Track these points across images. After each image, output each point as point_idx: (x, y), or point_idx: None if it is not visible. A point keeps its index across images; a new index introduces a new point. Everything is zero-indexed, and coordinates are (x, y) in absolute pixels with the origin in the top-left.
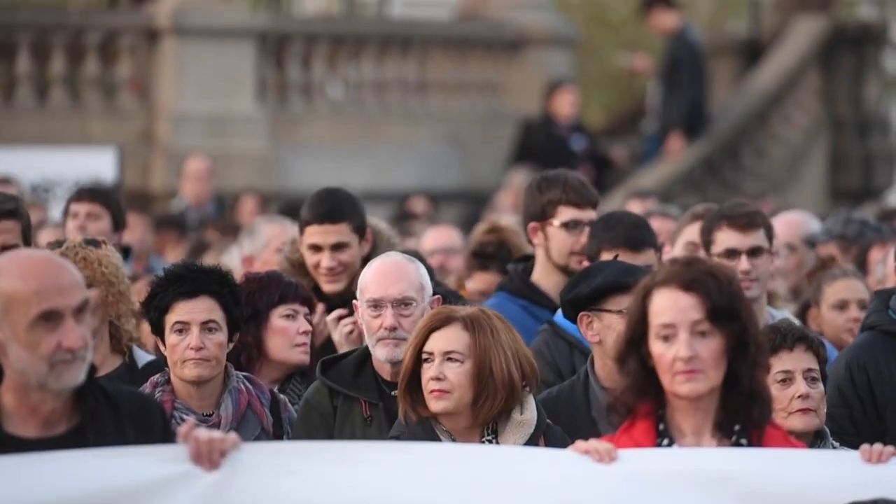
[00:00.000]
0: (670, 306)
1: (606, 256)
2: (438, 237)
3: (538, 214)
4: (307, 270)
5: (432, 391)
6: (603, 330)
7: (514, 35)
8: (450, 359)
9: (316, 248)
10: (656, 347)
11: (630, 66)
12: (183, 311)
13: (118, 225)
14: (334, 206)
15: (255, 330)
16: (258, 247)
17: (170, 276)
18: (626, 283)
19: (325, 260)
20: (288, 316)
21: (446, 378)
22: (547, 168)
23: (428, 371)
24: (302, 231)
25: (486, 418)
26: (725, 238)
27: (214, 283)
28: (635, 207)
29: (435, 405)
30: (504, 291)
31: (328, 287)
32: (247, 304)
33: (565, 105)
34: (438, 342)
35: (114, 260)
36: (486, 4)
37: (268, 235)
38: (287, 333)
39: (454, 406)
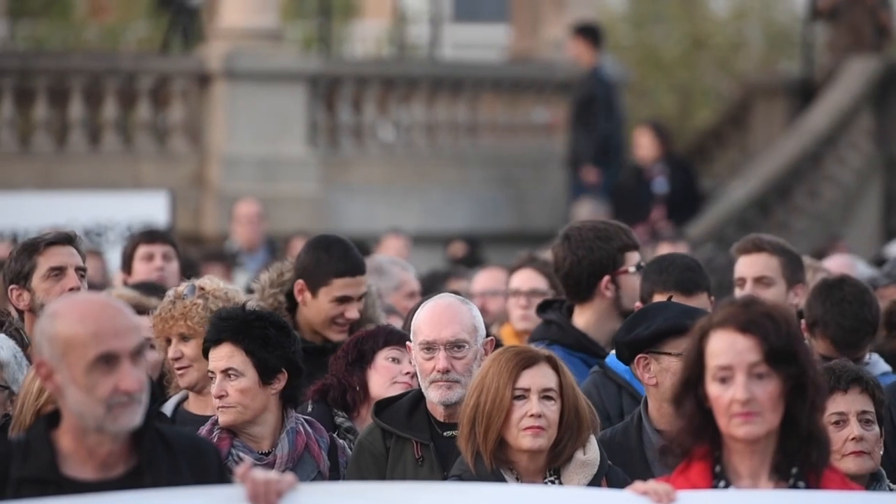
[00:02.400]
0: (727, 348)
1: (659, 299)
2: (486, 279)
3: (609, 265)
4: (287, 310)
5: (529, 428)
6: (660, 372)
7: (564, 77)
8: (546, 396)
9: (344, 300)
10: (713, 389)
11: (549, 121)
12: (213, 359)
13: (185, 267)
14: (360, 259)
15: (360, 372)
16: (389, 288)
17: (214, 320)
18: (686, 326)
19: (352, 312)
20: (394, 359)
21: (544, 415)
22: (627, 209)
23: (522, 408)
24: (325, 282)
25: (562, 458)
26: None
27: (229, 331)
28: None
29: (531, 442)
30: (558, 345)
31: (338, 336)
32: (353, 349)
33: (641, 147)
34: (535, 379)
35: (200, 310)
36: (537, 46)
37: (400, 279)
38: (391, 373)
39: (546, 443)
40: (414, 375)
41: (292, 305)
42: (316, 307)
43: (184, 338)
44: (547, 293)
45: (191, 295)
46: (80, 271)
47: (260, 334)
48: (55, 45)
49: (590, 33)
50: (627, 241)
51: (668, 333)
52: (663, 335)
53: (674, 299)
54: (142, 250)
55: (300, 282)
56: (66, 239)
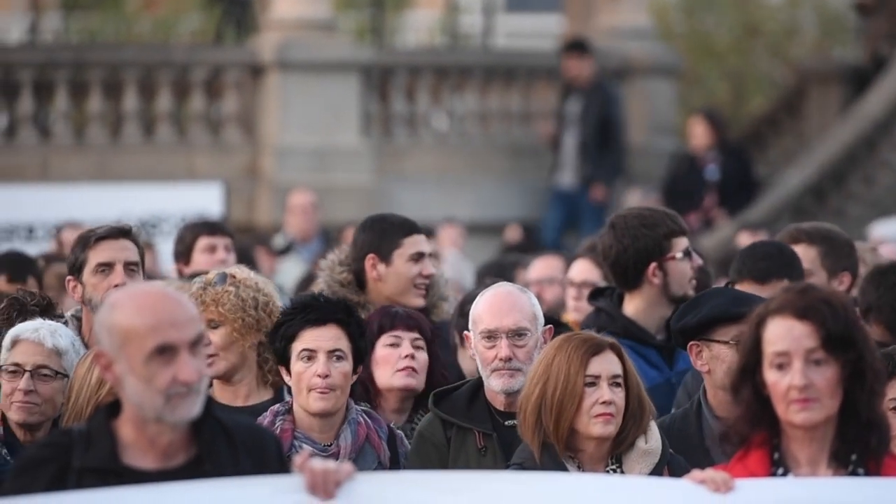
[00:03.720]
0: (784, 334)
1: (740, 287)
2: (543, 267)
3: (656, 252)
4: (357, 287)
5: (601, 415)
6: (712, 360)
7: (617, 65)
8: (615, 383)
9: (419, 257)
10: (770, 376)
11: (542, 134)
12: (310, 338)
13: (240, 258)
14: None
15: (367, 363)
16: (525, 281)
17: (297, 306)
18: (734, 313)
19: (429, 268)
20: (391, 344)
21: (613, 402)
22: (680, 197)
23: (593, 395)
24: (396, 245)
25: (624, 445)
26: None
27: (341, 312)
28: (746, 240)
29: (602, 429)
30: (609, 334)
31: (418, 300)
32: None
33: (695, 136)
34: (604, 366)
35: (232, 297)
36: (590, 34)
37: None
38: (389, 361)
39: (615, 430)
40: (413, 357)
41: (360, 285)
42: (393, 273)
43: (213, 325)
44: (599, 284)
45: (221, 283)
46: (131, 266)
47: (359, 323)
48: (109, 38)
49: (577, 47)
50: (674, 226)
51: (716, 321)
52: (711, 322)
53: (748, 287)
54: (203, 242)
55: (371, 256)
56: (118, 233)
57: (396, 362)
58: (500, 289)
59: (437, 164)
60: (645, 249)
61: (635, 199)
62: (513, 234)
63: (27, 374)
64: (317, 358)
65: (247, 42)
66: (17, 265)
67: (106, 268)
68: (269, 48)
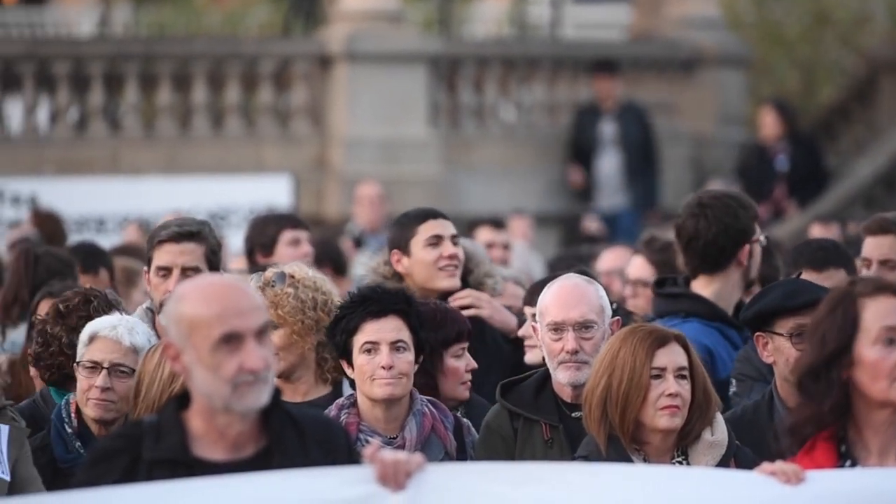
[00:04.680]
0: (893, 310)
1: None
2: (612, 258)
3: (750, 233)
4: (398, 281)
5: (667, 407)
6: (775, 352)
7: (687, 55)
8: (681, 375)
9: (436, 241)
10: (872, 353)
11: (573, 183)
12: (372, 331)
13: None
14: (438, 209)
15: (429, 368)
16: (595, 272)
17: (357, 298)
18: (788, 306)
19: (448, 249)
20: (458, 356)
21: (679, 394)
22: (750, 187)
23: (659, 387)
24: (411, 235)
25: (690, 437)
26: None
27: (402, 303)
28: (818, 231)
29: (668, 422)
30: (695, 317)
31: (448, 282)
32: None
33: (765, 126)
34: (670, 358)
35: (290, 300)
36: (659, 25)
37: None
38: (458, 373)
39: (681, 423)
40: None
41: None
42: (416, 263)
43: (272, 326)
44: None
45: (280, 283)
46: (189, 272)
47: (418, 314)
48: (178, 31)
49: (607, 67)
50: (755, 211)
51: (772, 313)
52: (768, 314)
53: (805, 275)
54: (288, 235)
55: (394, 252)
56: (180, 237)
57: (462, 375)
58: (567, 280)
59: (505, 155)
60: (743, 230)
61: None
62: (590, 224)
63: (104, 372)
64: (379, 350)
65: (315, 34)
66: (90, 256)
67: (165, 272)
68: (337, 40)
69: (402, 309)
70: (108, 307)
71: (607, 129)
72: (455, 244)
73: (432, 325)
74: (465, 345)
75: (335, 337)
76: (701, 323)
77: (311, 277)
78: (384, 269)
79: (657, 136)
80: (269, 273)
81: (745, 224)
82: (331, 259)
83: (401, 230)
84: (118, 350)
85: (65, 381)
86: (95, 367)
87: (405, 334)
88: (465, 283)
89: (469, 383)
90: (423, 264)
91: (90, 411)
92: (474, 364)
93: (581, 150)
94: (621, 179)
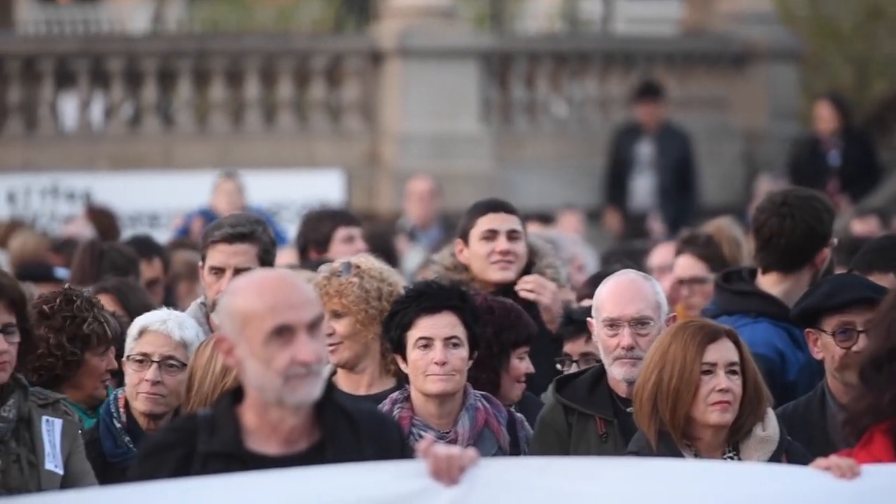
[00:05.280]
0: None
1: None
2: (664, 254)
3: (826, 239)
4: (461, 270)
5: (717, 403)
6: (823, 348)
7: (739, 50)
8: (731, 371)
9: (491, 235)
10: None
11: (609, 227)
12: (426, 326)
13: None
14: (504, 201)
15: (496, 366)
16: (647, 267)
17: (411, 294)
18: (830, 304)
19: (502, 244)
20: (521, 358)
21: (730, 390)
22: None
23: (710, 382)
24: (473, 224)
25: (741, 433)
26: None
27: (456, 299)
28: (858, 226)
29: (719, 417)
30: (764, 317)
31: (500, 274)
32: (495, 337)
33: (821, 120)
34: (721, 353)
35: (355, 289)
36: (711, 19)
37: (571, 253)
38: (518, 375)
39: (732, 418)
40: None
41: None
42: (472, 254)
43: (336, 315)
44: (707, 279)
45: (346, 273)
46: (242, 273)
47: (473, 309)
48: (231, 27)
49: (651, 92)
50: (835, 214)
51: (816, 311)
52: (813, 312)
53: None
54: (342, 232)
55: (458, 241)
56: (233, 238)
57: (521, 376)
58: (624, 276)
59: (557, 150)
60: (825, 234)
61: (764, 185)
62: (652, 222)
63: (155, 365)
64: (433, 345)
65: (367, 30)
66: (145, 244)
67: (218, 272)
68: (389, 36)
69: (457, 305)
70: (90, 307)
71: (645, 150)
72: (511, 239)
73: (505, 324)
74: (529, 348)
75: (390, 332)
76: (771, 323)
77: (377, 268)
78: (449, 259)
79: (697, 160)
80: (336, 264)
81: (827, 228)
82: (383, 253)
83: (466, 220)
84: (168, 343)
85: (54, 383)
86: (145, 360)
87: (459, 330)
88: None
89: (524, 386)
90: (478, 257)
91: (140, 405)
92: (532, 369)
93: (617, 171)
94: (654, 202)
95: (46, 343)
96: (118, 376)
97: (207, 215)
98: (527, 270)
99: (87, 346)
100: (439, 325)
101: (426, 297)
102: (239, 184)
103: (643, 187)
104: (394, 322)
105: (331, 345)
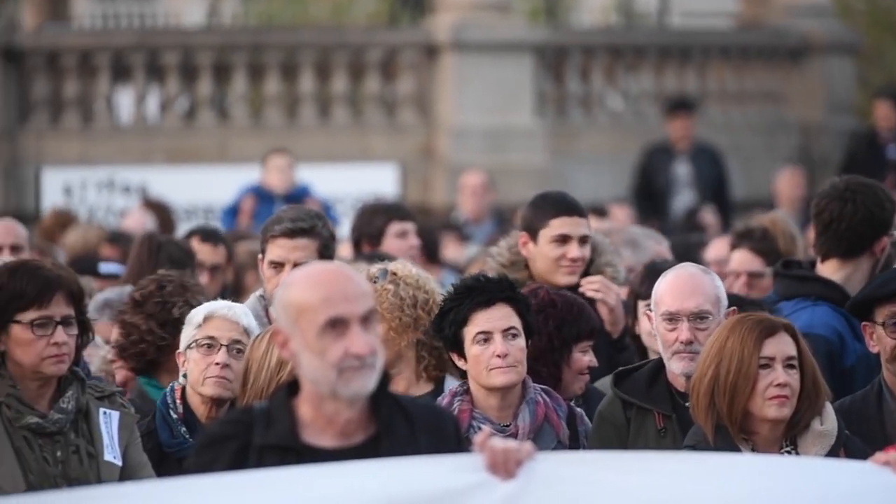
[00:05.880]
0: None
1: None
2: (721, 247)
3: (889, 225)
4: (519, 268)
5: (775, 397)
6: (877, 340)
7: (795, 43)
8: (789, 365)
9: (564, 240)
10: None
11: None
12: (483, 320)
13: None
14: (577, 202)
15: (558, 360)
16: (642, 261)
17: (461, 290)
18: (881, 294)
19: (573, 251)
20: (584, 352)
21: (788, 384)
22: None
23: (768, 377)
24: (543, 225)
25: (799, 427)
26: None
27: (507, 290)
28: None
29: (776, 412)
30: (824, 301)
31: (567, 279)
32: (556, 330)
33: (879, 118)
34: (779, 347)
35: (390, 296)
36: (767, 12)
37: (654, 251)
38: (581, 369)
39: (790, 413)
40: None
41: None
42: (539, 253)
43: None
44: (764, 273)
45: (382, 279)
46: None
47: (524, 298)
48: (285, 21)
49: (685, 106)
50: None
51: (869, 302)
52: (866, 304)
53: None
54: (396, 227)
55: (522, 234)
56: (293, 232)
57: (584, 371)
58: (683, 270)
59: (612, 144)
60: (885, 222)
61: (785, 178)
62: (707, 216)
63: (223, 348)
64: (493, 338)
65: (422, 23)
66: (210, 230)
67: (278, 266)
68: (443, 29)
69: (509, 296)
70: (182, 291)
71: (682, 170)
72: (582, 244)
73: (567, 318)
74: (592, 342)
75: (444, 330)
76: (831, 307)
77: (414, 275)
78: (505, 256)
79: (730, 176)
80: (374, 269)
81: (888, 216)
82: (424, 244)
83: (533, 216)
84: (235, 329)
85: (149, 369)
86: (214, 343)
87: (515, 320)
88: (586, 272)
89: (587, 380)
90: (546, 258)
91: (208, 389)
92: (596, 362)
93: (653, 191)
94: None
95: (139, 329)
96: None
97: (258, 192)
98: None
99: (177, 331)
100: (496, 318)
101: (478, 292)
102: (290, 160)
103: (682, 206)
104: (447, 320)
105: None
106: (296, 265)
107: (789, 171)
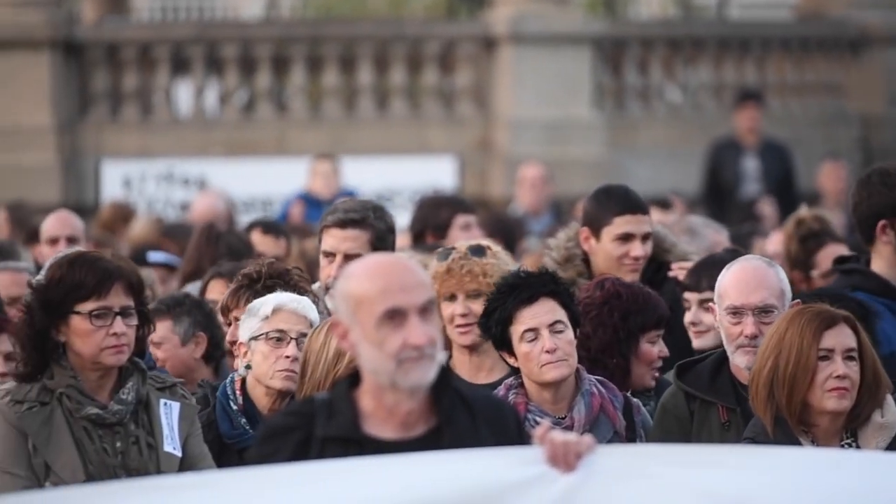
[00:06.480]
0: None
1: None
2: (778, 241)
3: (887, 211)
4: (574, 265)
5: (835, 389)
6: None
7: (855, 34)
8: (849, 357)
9: (627, 238)
10: None
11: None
12: (528, 317)
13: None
14: (641, 199)
15: (625, 351)
16: (701, 250)
17: (503, 288)
18: None
19: (636, 250)
20: (652, 342)
21: (848, 376)
22: None
23: (827, 369)
24: (606, 222)
25: (860, 420)
26: None
27: (550, 284)
28: None
29: (836, 404)
30: (861, 291)
31: (629, 276)
32: (622, 321)
33: None
34: (838, 339)
35: (497, 269)
36: (827, 4)
37: (712, 240)
38: (650, 359)
39: (849, 405)
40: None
41: (587, 258)
42: (601, 250)
43: (477, 295)
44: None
45: (479, 254)
46: (352, 258)
47: (566, 289)
48: (344, 13)
49: (754, 97)
50: None
51: None
52: None
53: None
54: (462, 219)
55: (584, 229)
56: (344, 223)
57: (655, 361)
58: (748, 263)
59: (670, 136)
60: (878, 205)
61: (829, 171)
62: (764, 207)
63: (293, 342)
64: (540, 334)
65: (480, 16)
66: (271, 222)
67: (330, 256)
68: (501, 21)
69: (552, 289)
70: (276, 277)
71: (750, 165)
72: (645, 241)
73: (633, 308)
74: (661, 332)
75: (490, 330)
76: (868, 296)
77: (503, 252)
78: (562, 252)
79: (798, 172)
80: (462, 246)
81: (881, 200)
82: (503, 235)
83: (596, 211)
84: (303, 322)
85: None
86: (283, 337)
87: (560, 313)
88: (660, 264)
89: (657, 371)
90: (608, 256)
91: (277, 383)
92: (666, 351)
93: (722, 186)
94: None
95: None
96: None
97: (306, 198)
98: (657, 259)
99: None
100: (541, 314)
101: (521, 289)
102: (335, 165)
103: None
104: (493, 319)
105: (465, 325)
106: (346, 256)
107: (831, 164)
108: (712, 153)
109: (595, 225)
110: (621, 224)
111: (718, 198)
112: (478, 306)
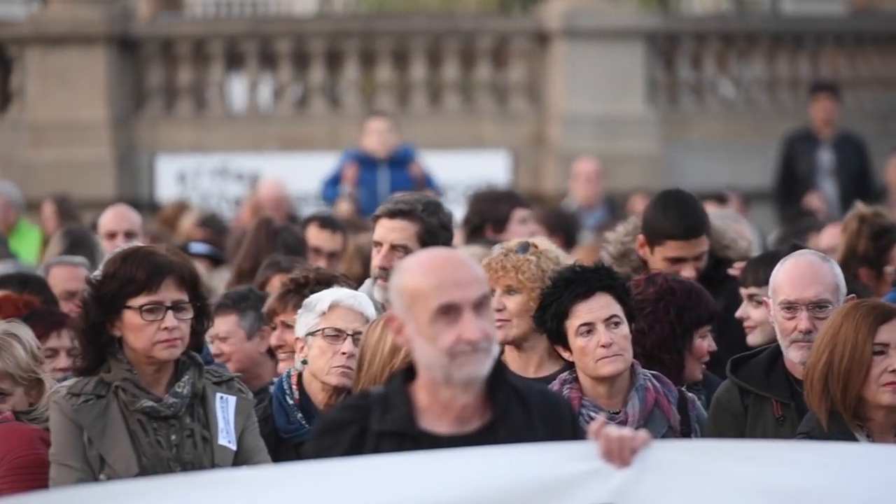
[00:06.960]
0: None
1: None
2: (832, 235)
3: None
4: (629, 261)
5: (890, 383)
6: None
7: None
8: None
9: (677, 261)
10: None
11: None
12: (584, 312)
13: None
14: (698, 222)
15: (680, 347)
16: (816, 247)
17: (559, 282)
18: None
19: (687, 271)
20: (703, 337)
21: None
22: None
23: (882, 363)
24: (659, 242)
25: None
26: None
27: (605, 278)
28: None
29: (891, 398)
30: None
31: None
32: (677, 317)
33: None
34: (893, 334)
35: (532, 266)
36: None
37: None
38: (700, 354)
39: None
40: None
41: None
42: (654, 263)
43: (510, 290)
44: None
45: (523, 251)
46: (397, 248)
47: (622, 283)
48: (397, 8)
49: (830, 88)
50: None
51: None
52: None
53: None
54: (520, 213)
55: (640, 237)
56: (391, 214)
57: (703, 356)
58: (802, 258)
59: (724, 131)
60: None
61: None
62: (813, 201)
63: (349, 339)
64: (596, 329)
65: (533, 10)
66: (328, 217)
67: (378, 245)
68: (555, 16)
69: (608, 284)
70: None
71: (825, 157)
72: (698, 261)
73: (686, 304)
74: (711, 327)
75: (546, 323)
76: None
77: (553, 251)
78: (618, 247)
79: (874, 166)
80: (513, 242)
81: None
82: (563, 229)
83: (653, 225)
84: (359, 319)
85: None
86: (339, 334)
87: (616, 308)
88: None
89: (706, 365)
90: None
91: (334, 379)
92: (714, 346)
93: (797, 179)
94: (838, 209)
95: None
96: None
97: (359, 158)
98: (716, 255)
99: None
100: (597, 308)
101: (577, 283)
102: (389, 123)
103: (826, 194)
104: (548, 313)
105: (500, 321)
106: (393, 246)
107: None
108: (787, 145)
109: (650, 237)
110: (674, 248)
111: (792, 190)
112: (512, 303)
